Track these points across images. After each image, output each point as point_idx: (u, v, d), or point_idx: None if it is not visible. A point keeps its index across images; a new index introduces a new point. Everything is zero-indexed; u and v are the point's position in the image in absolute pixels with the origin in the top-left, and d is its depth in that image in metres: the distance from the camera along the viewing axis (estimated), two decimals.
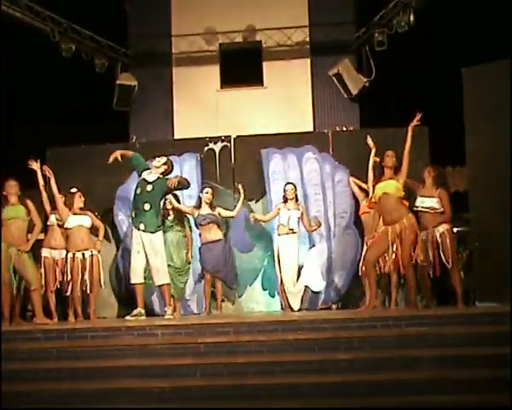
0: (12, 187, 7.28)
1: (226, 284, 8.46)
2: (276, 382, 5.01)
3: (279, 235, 8.26)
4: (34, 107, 9.56)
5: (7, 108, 8.99)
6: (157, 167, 7.45)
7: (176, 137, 10.86)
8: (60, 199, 7.86)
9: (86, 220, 7.89)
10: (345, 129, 10.27)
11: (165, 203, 8.14)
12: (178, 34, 11.09)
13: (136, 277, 7.31)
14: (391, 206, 6.87)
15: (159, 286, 7.38)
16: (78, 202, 7.96)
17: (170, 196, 8.17)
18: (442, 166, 11.20)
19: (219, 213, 8.34)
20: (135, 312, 7.24)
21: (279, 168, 9.10)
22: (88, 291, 7.79)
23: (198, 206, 8.34)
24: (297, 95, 11.01)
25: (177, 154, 8.91)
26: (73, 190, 8.06)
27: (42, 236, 8.03)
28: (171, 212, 8.26)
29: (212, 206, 8.34)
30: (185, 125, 10.85)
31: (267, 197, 9.01)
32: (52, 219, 8.12)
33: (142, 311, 7.30)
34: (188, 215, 8.41)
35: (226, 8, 11.04)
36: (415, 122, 7.21)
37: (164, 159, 7.52)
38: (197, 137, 9.80)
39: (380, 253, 7.04)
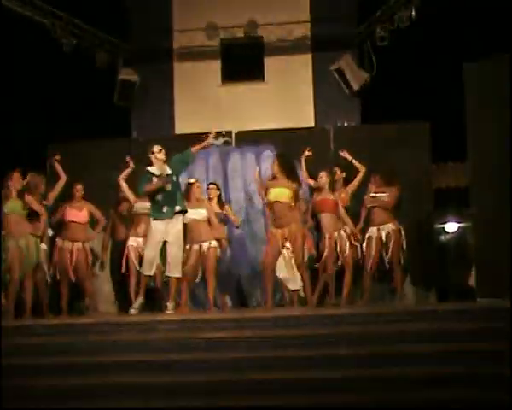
0: (15, 180, 7.39)
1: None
2: (277, 377, 5.01)
3: None
4: (35, 102, 9.55)
5: (7, 104, 8.99)
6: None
7: (177, 132, 10.85)
8: None
9: (202, 213, 7.85)
10: (346, 124, 10.27)
11: None
12: (179, 29, 11.07)
13: (151, 268, 7.25)
14: (281, 212, 7.16)
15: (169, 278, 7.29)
16: (196, 192, 7.97)
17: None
18: (444, 161, 11.25)
19: (226, 213, 8.30)
20: (137, 303, 7.19)
21: (237, 166, 9.14)
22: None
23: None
24: (298, 90, 10.99)
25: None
26: (192, 180, 8.12)
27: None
28: None
29: (220, 203, 8.28)
30: (186, 121, 10.83)
31: (228, 196, 9.04)
32: (137, 207, 8.16)
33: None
34: None
35: (227, 3, 11.02)
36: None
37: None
38: (198, 132, 9.79)
39: (275, 255, 7.27)
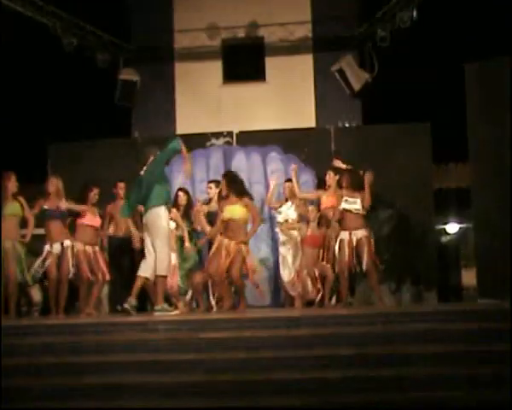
0: (12, 182, 7.40)
1: None
2: (277, 377, 5.01)
3: (282, 232, 8.25)
4: (35, 102, 9.56)
5: (8, 104, 9.00)
6: None
7: (178, 132, 10.86)
8: None
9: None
10: (347, 125, 10.27)
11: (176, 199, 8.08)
12: (181, 29, 11.08)
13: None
14: (235, 229, 7.41)
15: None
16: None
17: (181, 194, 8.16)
18: (445, 162, 11.25)
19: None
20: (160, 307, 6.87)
21: (242, 167, 9.09)
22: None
23: (207, 202, 8.28)
24: (299, 91, 11.00)
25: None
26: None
27: None
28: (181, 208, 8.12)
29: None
30: (187, 121, 10.84)
31: None
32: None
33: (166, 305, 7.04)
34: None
35: (228, 3, 11.04)
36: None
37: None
38: (199, 132, 9.80)
39: (219, 263, 7.37)
